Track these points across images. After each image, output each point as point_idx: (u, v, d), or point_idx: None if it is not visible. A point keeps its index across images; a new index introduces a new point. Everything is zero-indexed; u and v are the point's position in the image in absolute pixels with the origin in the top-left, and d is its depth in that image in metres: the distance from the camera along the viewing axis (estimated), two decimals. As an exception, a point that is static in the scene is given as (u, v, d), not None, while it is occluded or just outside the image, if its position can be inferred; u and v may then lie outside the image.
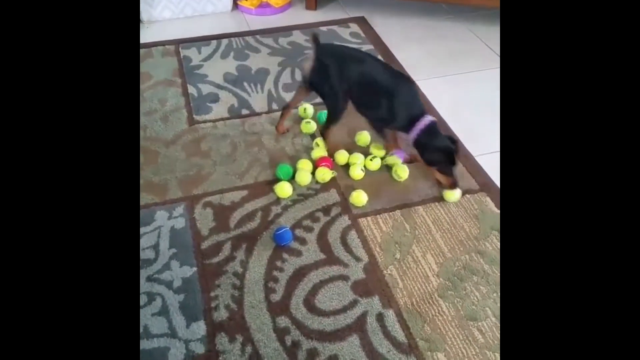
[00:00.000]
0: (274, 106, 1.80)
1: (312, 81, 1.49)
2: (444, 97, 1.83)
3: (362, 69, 1.43)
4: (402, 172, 1.52)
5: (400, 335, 1.14)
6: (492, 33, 2.18)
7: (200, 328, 1.15)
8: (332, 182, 1.52)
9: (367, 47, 2.07)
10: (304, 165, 1.53)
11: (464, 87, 1.91)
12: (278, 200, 1.46)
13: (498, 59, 2.04)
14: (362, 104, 1.49)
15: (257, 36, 2.14)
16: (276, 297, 1.22)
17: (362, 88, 1.43)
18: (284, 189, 1.47)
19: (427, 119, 1.41)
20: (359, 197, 1.45)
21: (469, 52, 2.08)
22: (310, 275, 1.27)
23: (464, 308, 1.20)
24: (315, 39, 1.46)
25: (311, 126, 1.68)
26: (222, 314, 1.18)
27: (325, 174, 1.51)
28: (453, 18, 2.28)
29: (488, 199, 1.48)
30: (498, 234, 1.38)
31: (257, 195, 1.48)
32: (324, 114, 1.69)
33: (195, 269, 1.27)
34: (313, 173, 1.53)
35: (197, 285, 1.24)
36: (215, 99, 1.83)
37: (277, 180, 1.50)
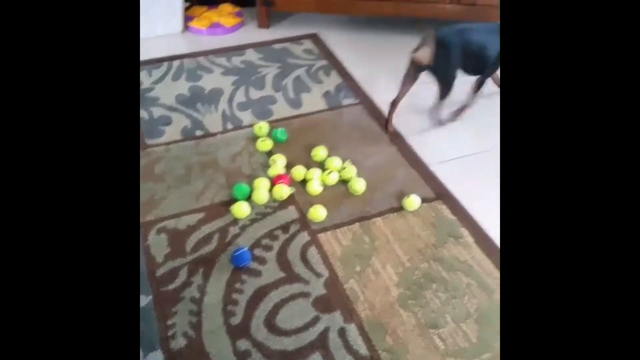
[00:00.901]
0: (229, 125, 1.79)
1: (435, 66, 1.62)
2: (399, 109, 1.87)
3: (473, 38, 1.61)
4: (358, 185, 1.53)
5: (363, 349, 1.14)
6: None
7: (157, 358, 1.11)
8: (290, 199, 1.51)
9: (321, 63, 2.09)
10: (261, 184, 1.53)
11: (418, 97, 1.96)
12: (236, 220, 1.44)
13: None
14: (472, 69, 1.68)
15: (210, 56, 2.13)
16: (236, 320, 1.19)
17: (474, 55, 1.63)
18: (241, 209, 1.45)
19: None
20: (317, 213, 1.44)
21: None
22: (270, 295, 1.25)
23: (424, 316, 1.21)
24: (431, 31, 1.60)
25: (267, 144, 1.67)
26: (179, 342, 1.14)
27: (283, 191, 1.50)
28: (406, 31, 2.34)
29: (444, 206, 1.50)
30: (454, 240, 1.40)
31: (213, 217, 1.45)
32: (278, 131, 1.70)
33: (150, 297, 1.23)
34: (271, 190, 1.52)
35: (153, 314, 1.20)
36: (167, 121, 1.80)
37: (234, 200, 1.49)
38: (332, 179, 1.56)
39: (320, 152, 1.64)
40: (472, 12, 2.05)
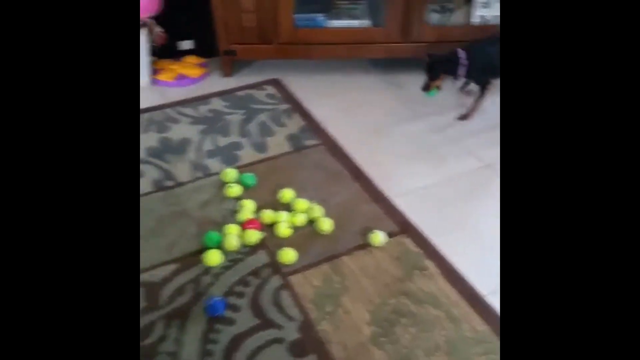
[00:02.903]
0: (198, 174, 1.83)
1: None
2: (360, 146, 1.96)
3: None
4: (325, 225, 1.59)
5: (338, 390, 1.17)
6: (402, 78, 2.37)
7: (134, 419, 1.11)
8: (261, 243, 1.55)
9: (284, 107, 2.17)
10: (231, 230, 1.57)
11: (378, 133, 2.05)
12: (208, 269, 1.47)
13: (409, 104, 2.21)
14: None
15: (177, 107, 2.19)
16: (212, 371, 1.22)
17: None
18: (212, 257, 1.48)
19: None
20: (288, 255, 1.49)
21: (381, 101, 2.24)
22: (246, 343, 1.28)
23: (396, 353, 1.26)
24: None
25: (235, 190, 1.72)
26: (157, 400, 1.15)
27: (252, 235, 1.55)
28: (361, 70, 2.46)
29: (408, 239, 1.57)
30: (419, 272, 1.46)
31: (187, 267, 1.48)
32: (246, 176, 1.75)
33: (126, 355, 1.24)
34: (241, 236, 1.56)
35: (129, 372, 1.21)
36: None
37: (206, 249, 1.52)
38: (301, 219, 1.62)
39: (286, 194, 1.70)
40: (420, 49, 2.18)
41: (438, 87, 2.05)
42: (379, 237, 1.54)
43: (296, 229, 1.61)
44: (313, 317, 1.34)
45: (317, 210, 1.63)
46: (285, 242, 1.56)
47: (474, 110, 2.11)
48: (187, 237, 1.58)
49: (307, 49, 2.26)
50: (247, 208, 1.64)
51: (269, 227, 1.61)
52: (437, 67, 2.00)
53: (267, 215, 1.62)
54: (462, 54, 1.97)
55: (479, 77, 2.06)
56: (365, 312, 1.35)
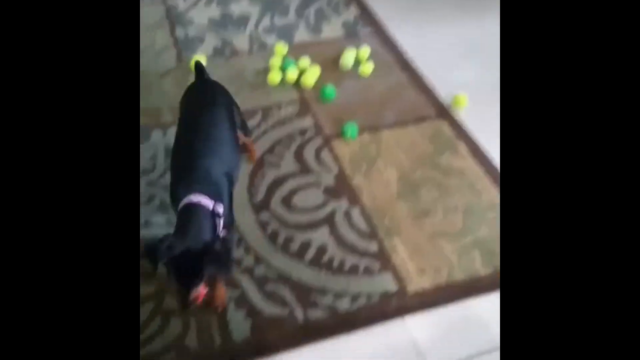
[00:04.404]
0: (255, 48, 1.96)
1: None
2: (411, 39, 2.02)
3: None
4: (368, 67, 1.83)
5: (364, 226, 1.36)
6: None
7: (193, 221, 1.34)
8: (306, 109, 1.70)
9: (341, -4, 2.22)
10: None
11: (432, 29, 2.09)
12: (259, 124, 1.64)
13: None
14: None
15: (239, -15, 2.27)
16: (258, 199, 1.42)
17: None
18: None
19: None
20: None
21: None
22: (287, 183, 1.47)
23: (418, 207, 1.42)
24: None
25: (277, 76, 1.80)
26: (211, 211, 1.37)
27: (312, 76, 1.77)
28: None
29: (445, 123, 1.68)
30: (451, 151, 1.58)
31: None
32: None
33: (187, 177, 1.46)
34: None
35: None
36: (201, 40, 1.98)
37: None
38: (348, 59, 1.85)
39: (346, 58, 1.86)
40: None
41: None
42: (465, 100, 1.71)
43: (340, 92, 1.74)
44: (348, 172, 1.51)
45: (365, 52, 1.87)
46: (332, 108, 1.70)
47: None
48: (241, 96, 1.74)
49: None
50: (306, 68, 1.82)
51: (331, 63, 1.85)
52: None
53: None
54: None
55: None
56: (395, 174, 1.50)
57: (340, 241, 1.32)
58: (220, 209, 1.05)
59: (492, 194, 1.46)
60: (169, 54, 1.91)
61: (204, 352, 1.11)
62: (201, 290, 0.98)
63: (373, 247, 1.31)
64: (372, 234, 1.34)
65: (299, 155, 1.55)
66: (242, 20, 2.08)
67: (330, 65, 1.88)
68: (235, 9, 2.14)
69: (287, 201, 1.41)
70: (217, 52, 1.93)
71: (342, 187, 1.46)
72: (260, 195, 1.42)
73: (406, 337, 1.15)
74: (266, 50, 1.93)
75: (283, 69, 1.83)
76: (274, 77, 1.79)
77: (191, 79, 1.77)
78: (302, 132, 1.63)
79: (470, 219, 1.39)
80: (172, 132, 1.57)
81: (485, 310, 1.20)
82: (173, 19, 2.08)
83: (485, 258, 1.29)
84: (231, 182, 1.15)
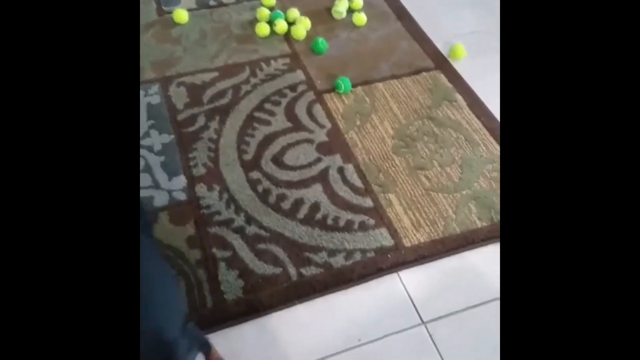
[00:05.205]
0: (241, -3, 1.85)
1: None
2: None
3: None
4: (362, 17, 1.76)
5: (358, 182, 1.31)
6: None
7: (181, 181, 1.29)
8: (297, 62, 1.62)
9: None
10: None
11: None
12: (248, 79, 1.56)
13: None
14: None
15: None
16: (248, 156, 1.36)
17: None
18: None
19: None
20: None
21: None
22: (278, 140, 1.41)
23: (414, 161, 1.37)
24: None
25: (265, 28, 1.71)
26: (200, 170, 1.32)
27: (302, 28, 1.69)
28: None
29: (442, 75, 1.61)
30: (448, 103, 1.52)
31: (227, 77, 1.57)
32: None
33: (173, 136, 1.39)
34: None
35: (176, 148, 1.36)
36: (182, -9, 1.87)
37: (241, 65, 1.60)
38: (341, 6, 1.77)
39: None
40: None
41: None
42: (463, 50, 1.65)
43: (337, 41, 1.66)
44: (342, 127, 1.45)
45: (358, 1, 1.80)
46: (323, 60, 1.62)
47: None
48: (229, 50, 1.65)
49: None
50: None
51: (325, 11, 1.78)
52: None
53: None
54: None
55: None
56: (390, 129, 1.45)
57: (334, 198, 1.28)
58: None
59: (490, 147, 1.41)
60: (149, 7, 1.80)
61: (196, 313, 1.09)
62: None
63: (368, 202, 1.27)
64: (367, 190, 1.30)
65: (290, 111, 1.48)
66: (227, -31, 1.96)
67: (322, 16, 1.79)
68: (219, -43, 2.01)
69: (278, 159, 1.36)
70: (201, 3, 1.82)
71: (335, 143, 1.40)
72: (250, 154, 1.37)
73: (402, 291, 1.13)
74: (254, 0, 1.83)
75: (271, 20, 1.73)
76: (262, 29, 1.69)
77: (174, 32, 1.67)
78: (293, 87, 1.55)
79: (468, 172, 1.35)
80: (154, 90, 1.51)
81: (482, 262, 1.18)
82: (152, -31, 1.95)
83: (482, 211, 1.26)
84: None
